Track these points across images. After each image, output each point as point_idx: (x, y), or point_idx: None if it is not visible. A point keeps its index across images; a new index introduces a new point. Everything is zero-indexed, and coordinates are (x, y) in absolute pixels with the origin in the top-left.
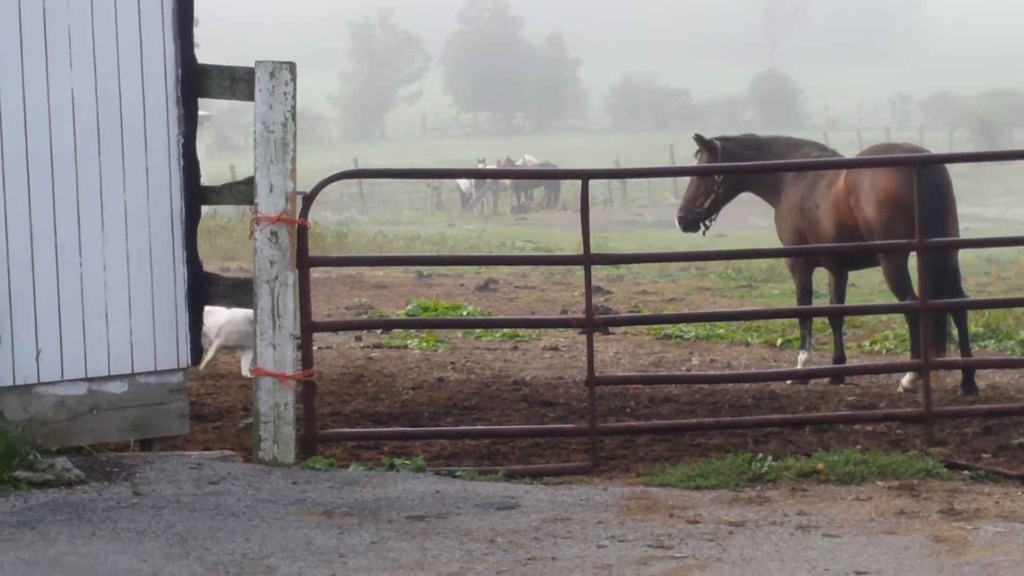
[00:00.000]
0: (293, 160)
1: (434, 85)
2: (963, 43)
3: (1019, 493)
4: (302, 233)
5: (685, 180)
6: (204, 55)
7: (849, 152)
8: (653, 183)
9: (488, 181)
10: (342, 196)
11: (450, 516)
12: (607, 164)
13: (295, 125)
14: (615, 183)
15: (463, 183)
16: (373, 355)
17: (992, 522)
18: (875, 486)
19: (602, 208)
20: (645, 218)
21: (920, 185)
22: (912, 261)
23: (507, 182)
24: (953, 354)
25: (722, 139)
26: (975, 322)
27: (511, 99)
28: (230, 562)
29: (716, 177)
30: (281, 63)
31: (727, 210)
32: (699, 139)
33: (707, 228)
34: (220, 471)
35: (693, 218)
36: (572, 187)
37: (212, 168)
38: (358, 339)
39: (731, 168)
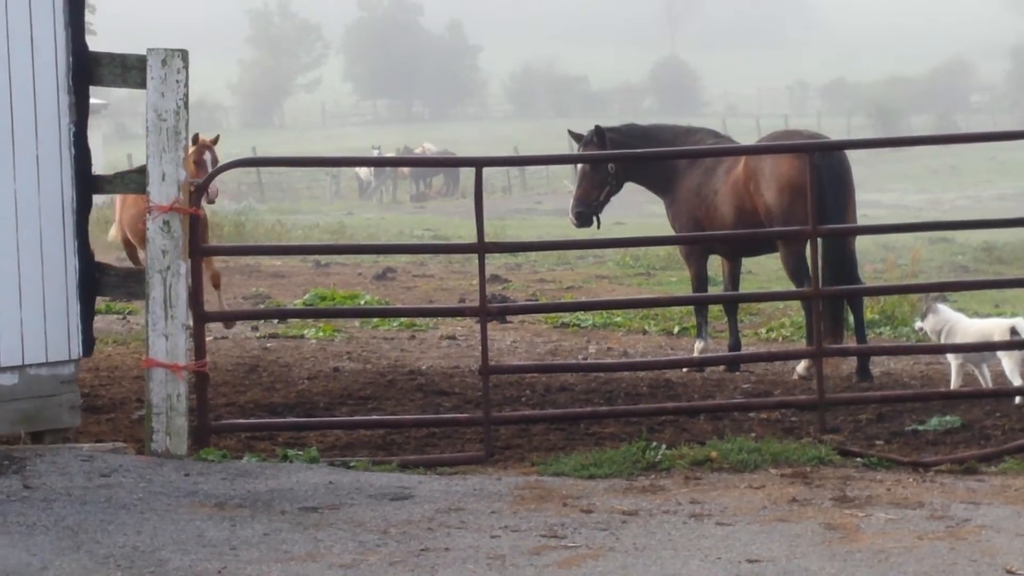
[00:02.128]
0: (185, 148)
1: (333, 73)
2: (861, 30)
3: (911, 480)
4: (195, 222)
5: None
6: (101, 43)
7: (747, 139)
8: (552, 171)
9: (387, 169)
10: (240, 185)
11: (343, 507)
12: (506, 152)
13: (188, 113)
14: (514, 171)
15: (362, 171)
16: (269, 345)
17: (884, 509)
18: (768, 474)
19: (501, 196)
20: (544, 206)
21: (816, 172)
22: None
23: (406, 170)
24: (849, 341)
25: (609, 129)
26: (871, 309)
27: (410, 87)
28: (121, 555)
29: (609, 168)
30: (173, 51)
31: (626, 197)
32: (598, 131)
33: (599, 222)
34: (112, 463)
35: (590, 212)
36: (471, 175)
37: (110, 157)
38: (254, 329)
39: (627, 155)
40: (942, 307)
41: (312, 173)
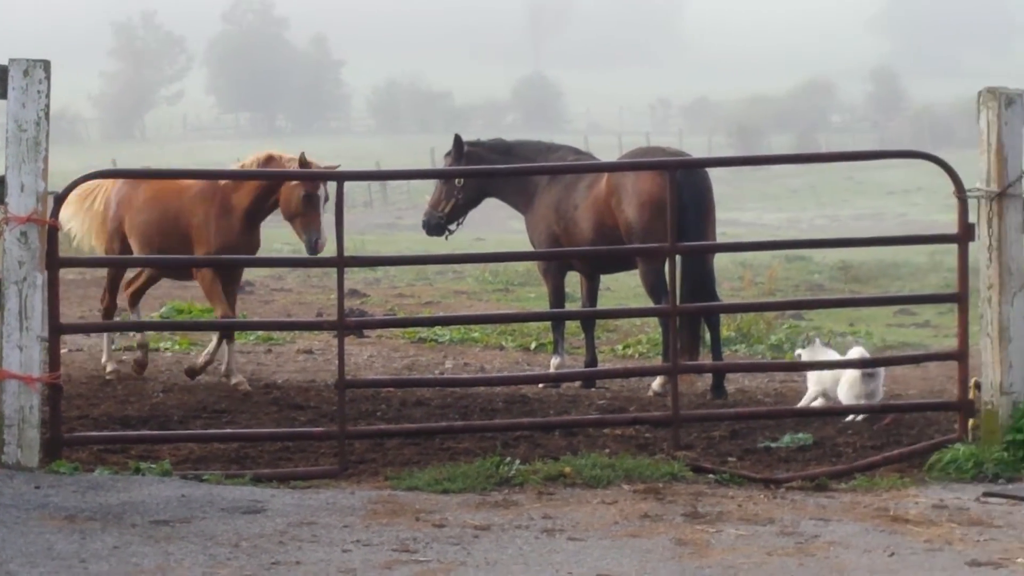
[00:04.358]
0: (45, 160)
1: (196, 86)
2: (724, 50)
3: (762, 496)
4: (52, 233)
5: None
6: None
7: (609, 156)
8: (413, 186)
9: None
10: None
11: (195, 520)
12: (369, 166)
13: (48, 124)
14: (375, 186)
15: None
16: (124, 358)
17: (734, 525)
18: (621, 489)
19: (362, 210)
20: (404, 221)
21: (677, 189)
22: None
23: None
24: (705, 358)
25: (472, 143)
26: (727, 326)
27: (273, 100)
28: None
29: (456, 182)
30: (35, 61)
31: (486, 213)
32: (457, 141)
33: (451, 233)
34: None
35: (435, 223)
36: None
37: None
38: (111, 342)
39: (477, 171)
40: (819, 345)
41: None
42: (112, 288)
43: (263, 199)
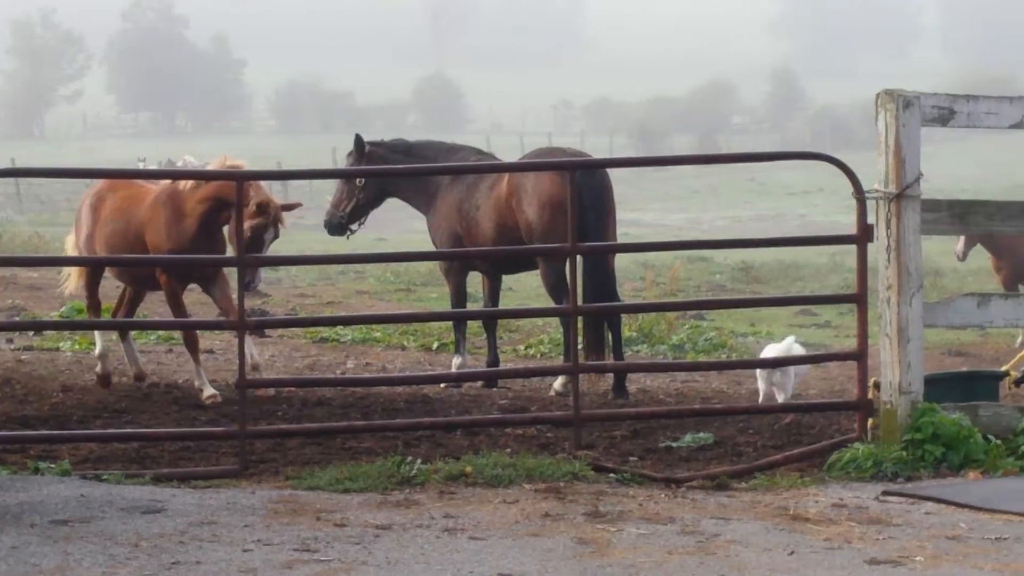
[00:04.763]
0: None
1: (96, 84)
2: (623, 52)
3: (663, 495)
4: None
5: None
6: None
7: (511, 156)
8: (315, 186)
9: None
10: None
11: (95, 520)
12: (270, 166)
13: None
14: (277, 185)
15: None
16: (24, 357)
17: (635, 524)
18: (522, 489)
19: None
20: (306, 221)
21: (577, 189)
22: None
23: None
24: (607, 358)
25: (372, 143)
26: (629, 326)
27: (174, 99)
28: None
29: (357, 182)
30: None
31: (387, 213)
32: (358, 141)
33: (352, 232)
34: None
35: (336, 222)
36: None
37: None
38: (9, 341)
39: (380, 171)
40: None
41: (72, 185)
42: (91, 290)
43: (216, 211)
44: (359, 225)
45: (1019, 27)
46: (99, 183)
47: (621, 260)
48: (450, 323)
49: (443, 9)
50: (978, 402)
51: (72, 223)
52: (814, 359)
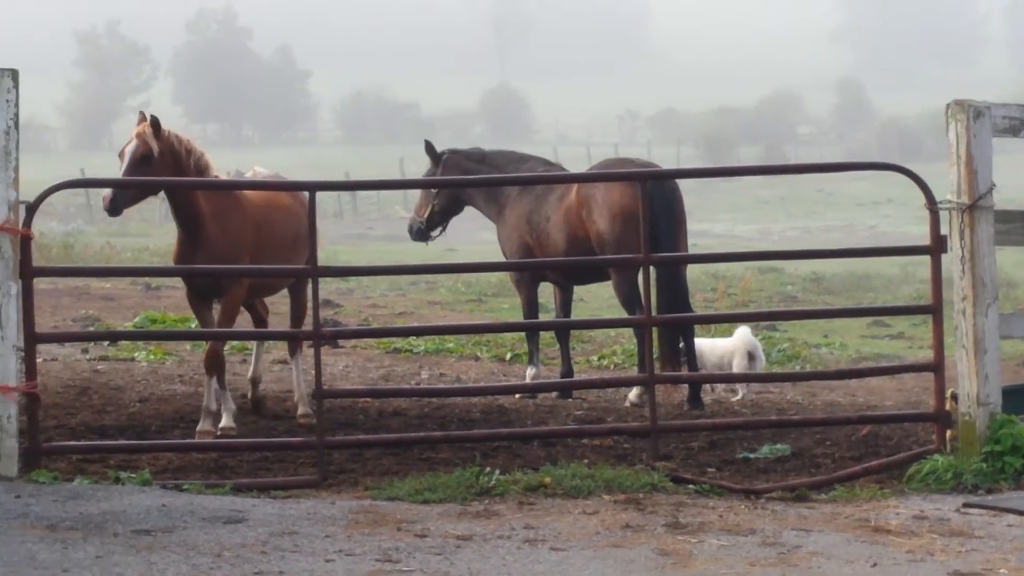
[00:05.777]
0: (16, 169)
1: (163, 95)
2: (690, 61)
3: (742, 507)
4: (25, 243)
5: (415, 193)
6: None
7: (578, 167)
8: (383, 196)
9: None
10: (68, 207)
11: (176, 530)
12: (337, 177)
13: (18, 133)
14: (345, 196)
15: None
16: (100, 367)
17: (716, 535)
18: (601, 500)
19: (333, 221)
20: (375, 231)
21: (648, 200)
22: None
23: None
24: (681, 369)
25: (450, 151)
26: (702, 338)
27: (240, 110)
28: None
29: (433, 190)
30: (3, 70)
31: (459, 224)
32: (428, 147)
33: (431, 239)
34: None
35: (417, 228)
36: None
37: None
38: (85, 351)
39: (450, 182)
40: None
41: None
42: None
43: None
44: (441, 231)
45: None
46: None
47: (691, 271)
48: (522, 334)
49: (506, 20)
50: None
51: (142, 233)
52: (890, 370)
